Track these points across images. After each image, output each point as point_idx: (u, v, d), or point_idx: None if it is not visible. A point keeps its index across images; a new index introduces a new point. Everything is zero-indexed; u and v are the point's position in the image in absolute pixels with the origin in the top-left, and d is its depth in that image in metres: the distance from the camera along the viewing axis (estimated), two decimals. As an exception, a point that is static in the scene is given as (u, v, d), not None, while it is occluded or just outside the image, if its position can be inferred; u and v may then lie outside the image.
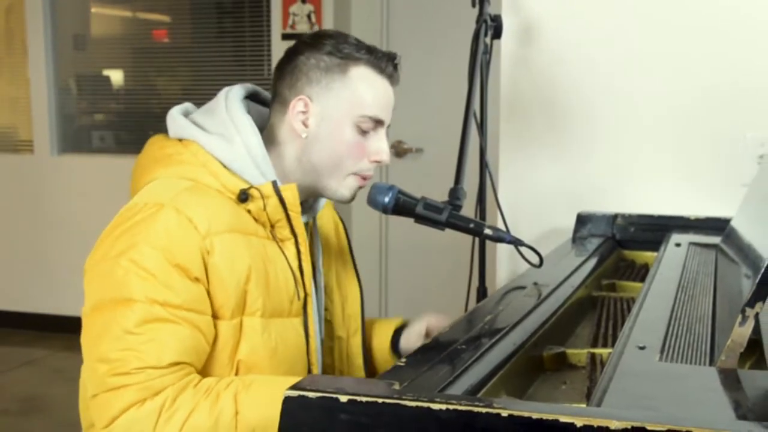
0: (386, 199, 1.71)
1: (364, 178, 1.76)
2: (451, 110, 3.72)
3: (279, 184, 1.67)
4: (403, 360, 1.34)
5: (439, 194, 1.81)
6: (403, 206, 1.72)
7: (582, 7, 2.76)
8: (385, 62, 1.72)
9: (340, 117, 1.70)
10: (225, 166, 1.66)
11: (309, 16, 5.26)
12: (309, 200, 1.84)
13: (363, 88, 1.70)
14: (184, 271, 1.53)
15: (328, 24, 5.24)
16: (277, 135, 1.74)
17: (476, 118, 2.44)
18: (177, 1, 5.85)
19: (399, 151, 5.45)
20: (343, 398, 1.05)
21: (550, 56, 2.80)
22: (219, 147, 1.67)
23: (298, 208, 1.69)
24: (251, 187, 1.65)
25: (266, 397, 1.49)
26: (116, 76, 6.09)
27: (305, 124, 1.71)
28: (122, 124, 6.04)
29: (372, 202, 1.72)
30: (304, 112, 1.70)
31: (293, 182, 1.72)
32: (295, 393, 1.07)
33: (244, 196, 1.64)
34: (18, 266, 6.04)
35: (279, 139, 1.74)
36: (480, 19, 2.45)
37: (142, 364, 1.48)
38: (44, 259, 5.93)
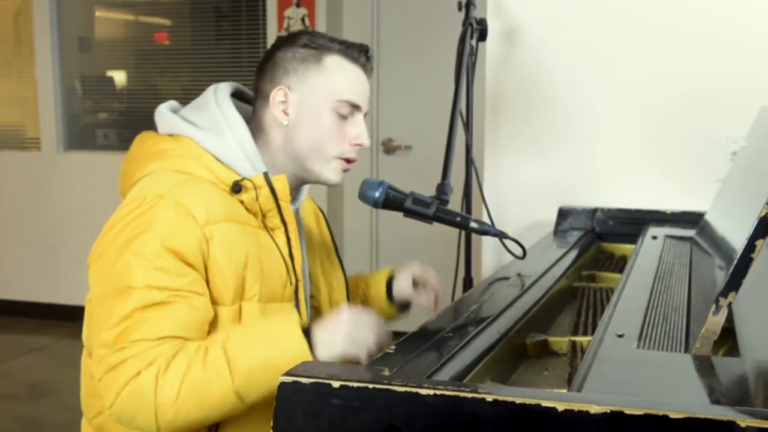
0: (376, 194, 1.70)
1: (348, 161, 1.75)
2: (438, 109, 3.71)
3: (269, 174, 1.67)
4: (393, 347, 1.34)
5: (427, 189, 1.81)
6: (392, 201, 1.71)
7: (562, 12, 2.76)
8: (357, 52, 1.73)
9: (319, 103, 1.70)
10: (218, 159, 1.66)
11: (303, 20, 5.24)
12: (293, 190, 1.82)
13: (337, 75, 1.70)
14: (180, 256, 1.53)
15: (321, 26, 5.22)
16: (262, 127, 1.74)
17: (462, 116, 2.43)
18: (177, 5, 5.83)
19: (388, 148, 5.44)
20: (335, 383, 1.05)
21: (533, 58, 2.80)
22: (212, 141, 1.67)
23: (288, 198, 1.69)
24: (244, 178, 1.65)
25: (252, 338, 1.49)
26: (119, 77, 6.07)
27: (285, 113, 1.70)
28: (125, 123, 6.01)
29: (363, 196, 1.72)
30: (284, 102, 1.70)
31: (281, 171, 1.72)
32: (289, 379, 1.07)
33: (237, 188, 1.63)
34: (25, 258, 6.03)
35: (264, 131, 1.73)
36: (466, 23, 2.45)
37: (136, 337, 1.47)
38: (50, 251, 5.91)
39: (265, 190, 1.65)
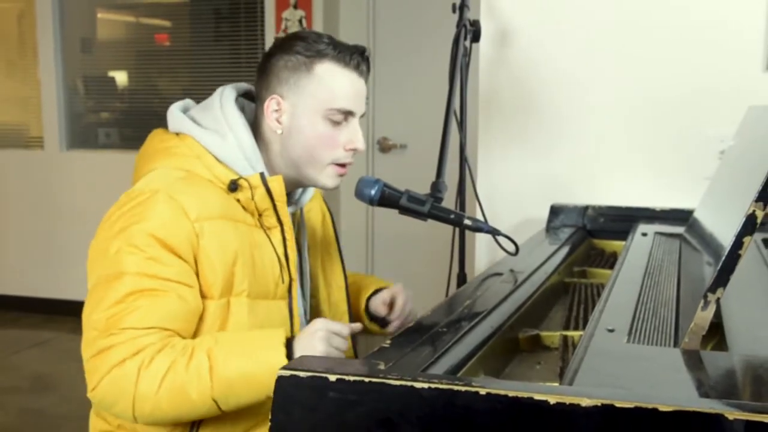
0: (372, 192, 1.70)
1: (343, 166, 1.75)
2: (433, 109, 3.71)
3: (267, 175, 1.69)
4: (388, 342, 1.34)
5: (422, 187, 1.80)
6: (388, 199, 1.71)
7: (555, 13, 2.75)
8: (349, 56, 1.70)
9: (310, 112, 1.69)
10: (217, 159, 1.68)
11: (300, 21, 5.23)
12: (296, 192, 1.85)
13: (329, 83, 1.68)
14: (172, 249, 1.55)
15: (317, 28, 5.22)
16: (261, 133, 1.75)
17: (456, 116, 2.43)
18: (177, 7, 5.82)
19: (384, 146, 5.44)
20: (332, 377, 1.05)
21: (525, 58, 2.79)
22: (212, 141, 1.68)
23: (284, 198, 1.70)
24: (240, 177, 1.66)
25: (238, 350, 1.50)
26: (121, 77, 6.06)
27: (279, 122, 1.71)
28: (126, 122, 6.00)
29: (359, 194, 1.72)
30: (277, 110, 1.70)
31: (280, 173, 1.73)
32: (287, 372, 1.07)
33: (233, 186, 1.65)
34: (28, 254, 6.02)
35: (263, 137, 1.74)
36: (460, 24, 2.44)
37: (125, 325, 1.50)
38: (53, 248, 5.91)
39: (260, 190, 1.66)
